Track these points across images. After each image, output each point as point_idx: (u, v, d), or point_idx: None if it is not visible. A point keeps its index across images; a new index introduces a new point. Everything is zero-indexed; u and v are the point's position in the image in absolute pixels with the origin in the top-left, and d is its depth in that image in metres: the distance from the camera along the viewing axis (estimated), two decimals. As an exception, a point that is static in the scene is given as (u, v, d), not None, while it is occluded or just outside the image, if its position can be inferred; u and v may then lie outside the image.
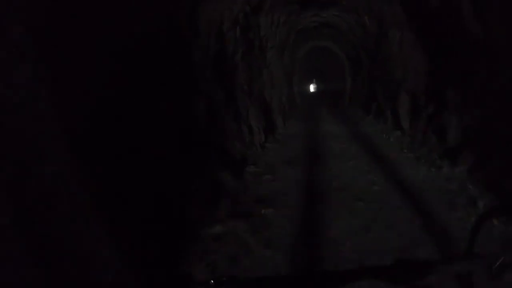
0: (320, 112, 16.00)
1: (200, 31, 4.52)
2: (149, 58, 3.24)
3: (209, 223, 3.50)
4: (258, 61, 8.29)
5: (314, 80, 27.78)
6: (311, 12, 12.08)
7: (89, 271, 1.09)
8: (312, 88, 27.71)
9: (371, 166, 6.18)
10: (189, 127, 3.96)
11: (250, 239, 3.32)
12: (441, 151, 6.92)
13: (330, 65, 24.29)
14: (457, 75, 6.41)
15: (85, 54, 2.25)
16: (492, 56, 5.06)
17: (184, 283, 0.93)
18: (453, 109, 6.76)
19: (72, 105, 1.86)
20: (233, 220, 3.68)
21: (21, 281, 0.90)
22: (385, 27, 10.52)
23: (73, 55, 2.09)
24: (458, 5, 5.55)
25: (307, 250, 3.33)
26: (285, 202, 4.50)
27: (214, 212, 3.83)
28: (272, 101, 9.86)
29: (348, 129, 10.63)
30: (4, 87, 1.03)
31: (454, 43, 6.32)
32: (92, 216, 1.20)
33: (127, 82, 2.80)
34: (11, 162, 0.95)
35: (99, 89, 2.38)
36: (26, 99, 1.10)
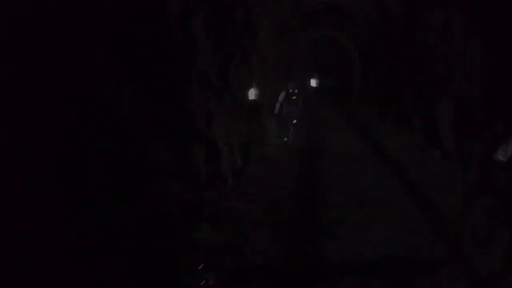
0: (324, 113, 13.29)
1: None
2: None
3: None
4: (242, 40, 5.56)
5: (315, 75, 25.11)
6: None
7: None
8: (313, 83, 24.95)
9: (419, 233, 3.49)
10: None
11: None
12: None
13: (334, 57, 22.10)
14: None
15: None
16: None
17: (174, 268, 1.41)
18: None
19: None
20: None
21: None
22: (419, 7, 7.85)
23: None
24: None
25: None
26: None
27: None
28: (263, 98, 7.16)
29: (364, 142, 8.04)
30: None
31: None
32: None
33: None
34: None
35: None
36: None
